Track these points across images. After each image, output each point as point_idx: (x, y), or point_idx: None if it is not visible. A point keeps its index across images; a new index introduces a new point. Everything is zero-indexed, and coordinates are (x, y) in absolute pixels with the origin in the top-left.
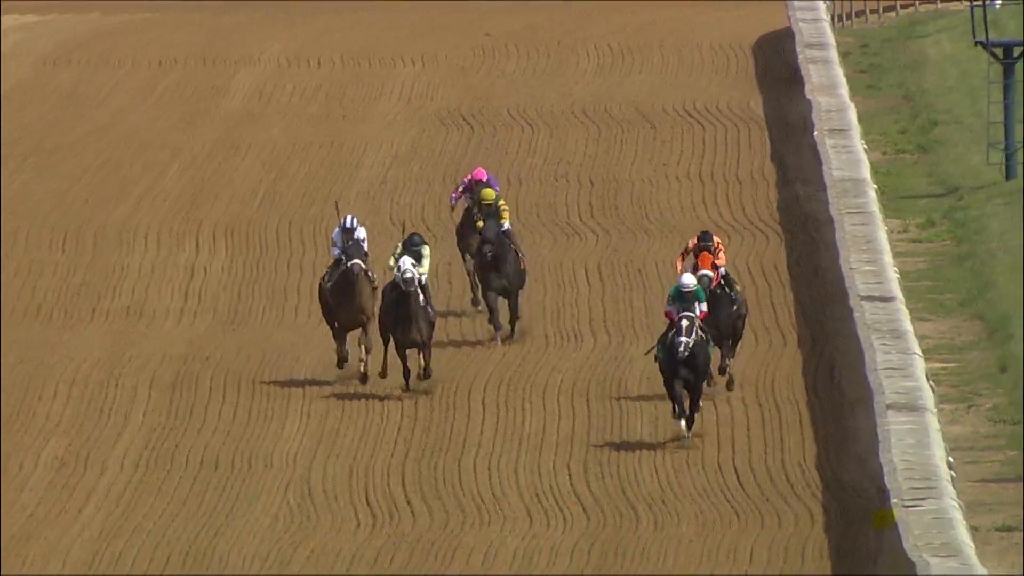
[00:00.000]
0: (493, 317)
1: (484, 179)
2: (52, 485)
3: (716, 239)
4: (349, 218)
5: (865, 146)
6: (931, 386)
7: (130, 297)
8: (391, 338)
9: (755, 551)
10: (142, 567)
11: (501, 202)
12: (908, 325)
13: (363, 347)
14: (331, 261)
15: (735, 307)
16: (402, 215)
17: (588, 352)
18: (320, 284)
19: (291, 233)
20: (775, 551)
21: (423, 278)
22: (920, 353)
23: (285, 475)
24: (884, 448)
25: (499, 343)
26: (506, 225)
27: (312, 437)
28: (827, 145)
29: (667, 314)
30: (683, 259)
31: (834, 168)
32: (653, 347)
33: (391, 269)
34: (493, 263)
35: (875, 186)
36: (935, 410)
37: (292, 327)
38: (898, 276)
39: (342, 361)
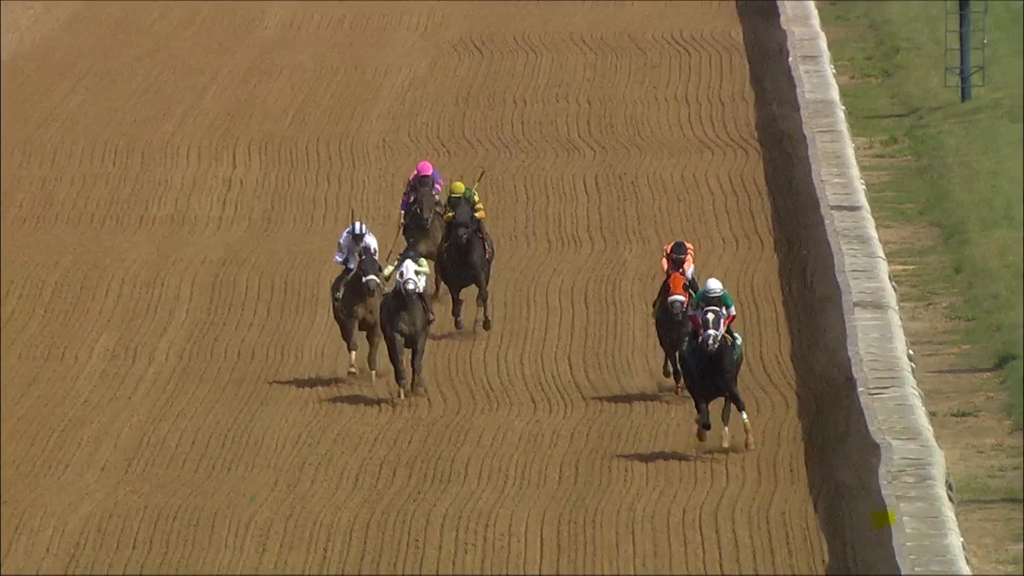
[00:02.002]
0: (456, 307)
1: (429, 172)
2: (104, 374)
3: (688, 246)
4: (358, 224)
5: (834, 71)
6: (893, 286)
7: (174, 206)
8: (391, 339)
9: (735, 434)
10: (185, 448)
11: (476, 196)
12: (873, 232)
13: (373, 370)
14: (338, 269)
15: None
16: (419, 133)
17: (586, 256)
18: (332, 294)
19: (319, 148)
20: (754, 433)
21: (422, 286)
22: (884, 257)
23: (314, 366)
24: (851, 342)
25: (461, 323)
26: (479, 214)
27: (338, 333)
28: (800, 70)
29: (691, 318)
30: (667, 262)
31: (807, 91)
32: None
33: (389, 276)
34: (466, 248)
35: (843, 107)
36: (897, 308)
37: (320, 233)
38: (864, 187)
39: (349, 362)
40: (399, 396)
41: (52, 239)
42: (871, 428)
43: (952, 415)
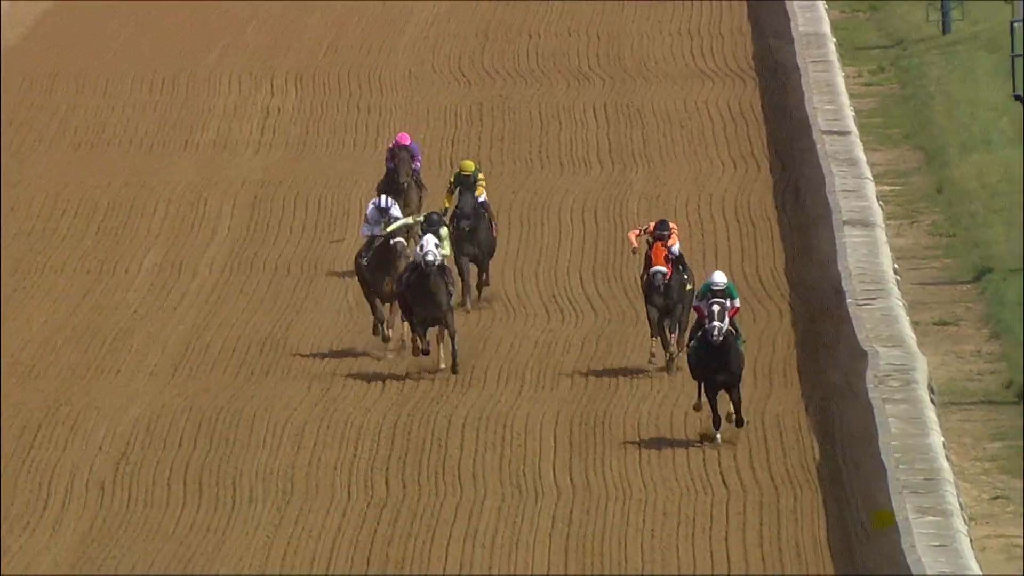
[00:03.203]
0: (465, 282)
1: (407, 143)
2: (152, 287)
3: (672, 225)
4: (384, 198)
5: (826, 5)
6: (880, 205)
7: (216, 132)
8: (412, 315)
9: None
10: (227, 355)
11: (480, 175)
12: (861, 154)
13: (404, 324)
14: (364, 239)
15: (687, 287)
16: (441, 64)
17: (595, 177)
18: (356, 260)
19: (350, 78)
20: (750, 341)
21: (442, 258)
22: (871, 178)
23: (345, 279)
24: (841, 257)
25: (469, 308)
26: (482, 197)
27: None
28: (794, 5)
29: (696, 308)
30: (638, 235)
31: (800, 24)
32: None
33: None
34: (470, 234)
35: (834, 39)
36: (883, 225)
37: (351, 157)
38: (853, 114)
39: (381, 334)
40: (432, 362)
41: (105, 162)
42: (859, 336)
43: (934, 324)
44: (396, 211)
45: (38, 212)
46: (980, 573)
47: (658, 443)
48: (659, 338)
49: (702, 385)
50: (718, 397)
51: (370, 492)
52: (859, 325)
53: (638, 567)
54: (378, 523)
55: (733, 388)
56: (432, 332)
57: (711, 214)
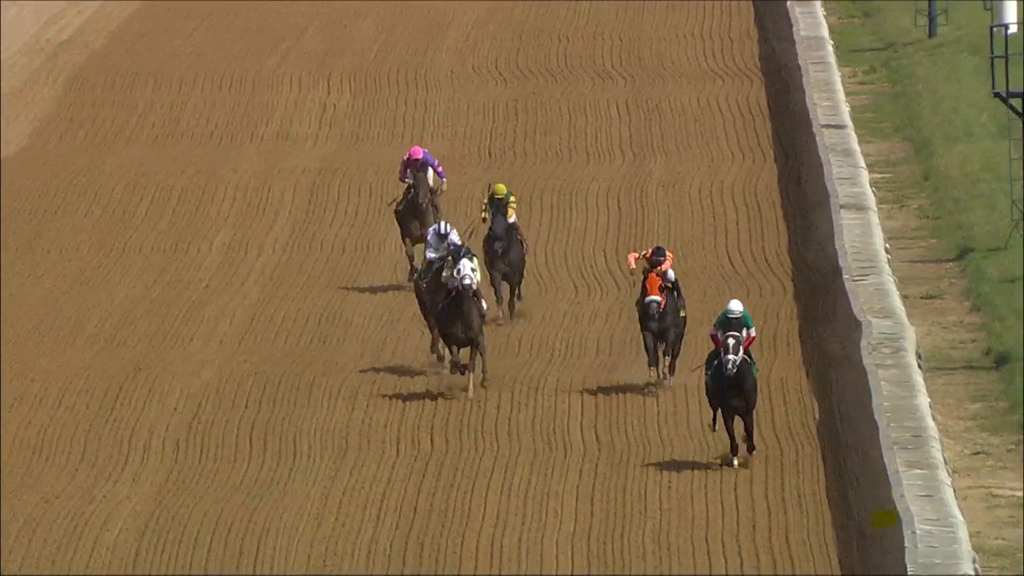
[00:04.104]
0: (498, 297)
1: (420, 156)
2: (222, 264)
3: (668, 253)
4: (444, 224)
5: (824, 12)
6: (873, 191)
7: (278, 125)
8: (447, 335)
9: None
10: (288, 325)
11: (512, 197)
12: (856, 146)
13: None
14: (425, 262)
15: (680, 313)
16: (480, 64)
17: (618, 166)
18: (416, 282)
19: (398, 77)
20: (757, 313)
21: (476, 282)
22: (865, 167)
23: (394, 258)
24: (838, 237)
25: (502, 322)
26: (513, 218)
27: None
28: (796, 11)
29: (712, 337)
30: (637, 259)
31: (801, 29)
32: (700, 365)
33: (446, 277)
34: (502, 254)
35: (832, 42)
36: (876, 209)
37: (399, 148)
38: (849, 109)
39: (437, 352)
40: (464, 382)
41: (179, 153)
42: (854, 308)
43: (921, 298)
44: (454, 236)
45: (119, 198)
46: (962, 519)
47: (674, 405)
48: (655, 368)
49: (717, 411)
50: (733, 423)
51: (416, 448)
52: (854, 298)
53: (656, 514)
54: (423, 475)
55: (747, 414)
56: (464, 352)
57: (721, 199)
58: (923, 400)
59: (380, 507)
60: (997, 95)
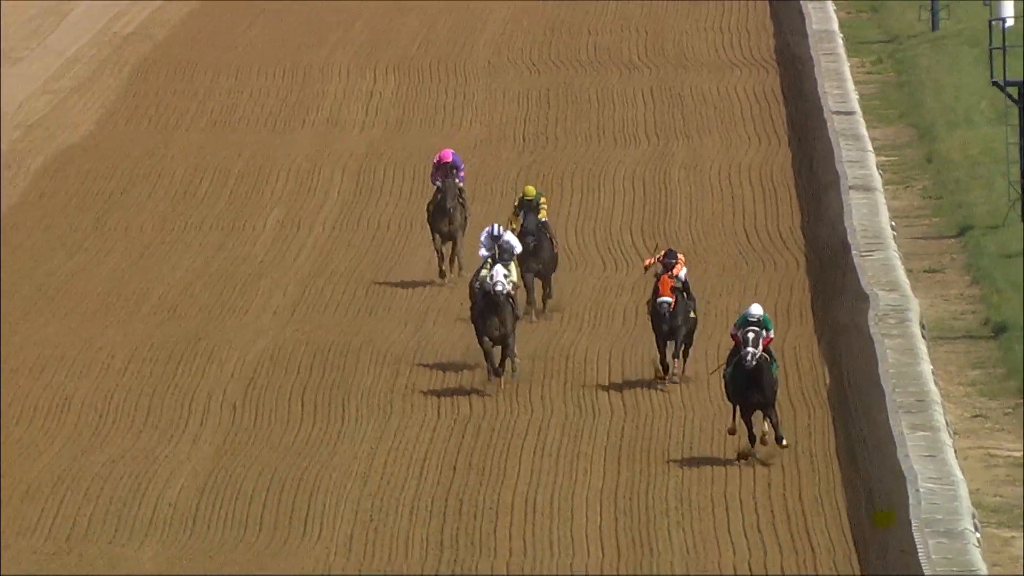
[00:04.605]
0: (530, 295)
1: (449, 159)
2: (275, 240)
3: (680, 256)
4: (496, 226)
5: (834, 8)
6: (880, 173)
7: (328, 112)
8: (482, 336)
9: (758, 286)
10: (337, 297)
11: (542, 199)
12: (864, 131)
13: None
14: (480, 262)
15: (691, 313)
16: (515, 56)
17: (643, 150)
18: (470, 285)
19: (440, 68)
20: (772, 286)
21: (511, 286)
22: (872, 150)
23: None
24: (847, 216)
25: (534, 318)
26: (543, 218)
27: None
28: (808, 7)
29: (733, 336)
30: (652, 262)
31: (813, 23)
32: (720, 365)
33: (482, 279)
34: (533, 251)
35: (841, 35)
36: (882, 189)
37: (440, 133)
38: (857, 97)
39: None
40: (495, 387)
41: (235, 137)
42: (862, 282)
43: (924, 272)
44: (508, 237)
45: (180, 179)
46: (962, 478)
47: (696, 371)
48: (663, 369)
49: (736, 408)
50: (753, 418)
51: (456, 411)
52: (862, 273)
53: (679, 474)
54: (463, 437)
55: (768, 408)
56: (497, 352)
57: (739, 180)
58: (926, 367)
59: (422, 466)
60: (995, 84)
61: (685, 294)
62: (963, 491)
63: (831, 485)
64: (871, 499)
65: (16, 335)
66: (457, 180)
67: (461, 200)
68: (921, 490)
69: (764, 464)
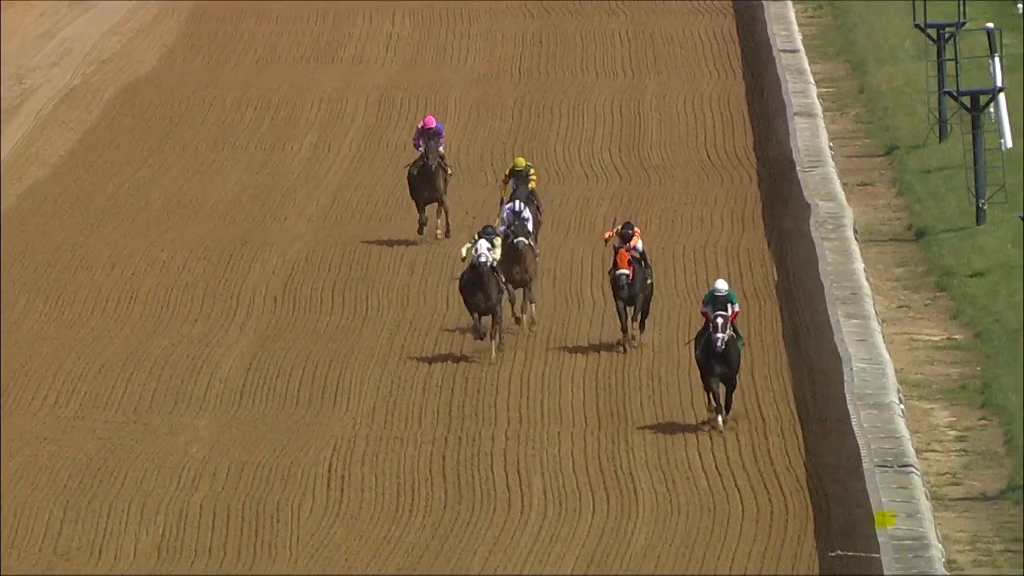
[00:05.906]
0: (514, 306)
1: (433, 125)
2: (309, 159)
3: (635, 228)
4: (518, 203)
5: None
6: (820, 102)
7: (354, 51)
8: (469, 305)
9: (717, 197)
10: (362, 206)
11: (532, 170)
12: (807, 66)
13: (529, 302)
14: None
15: (647, 281)
16: (513, 3)
17: (620, 82)
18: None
19: (448, 13)
20: (728, 197)
21: (495, 260)
22: (813, 83)
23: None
24: (792, 137)
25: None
26: (532, 186)
27: (461, 131)
28: None
29: (703, 313)
30: (611, 234)
31: None
32: (690, 340)
33: (466, 255)
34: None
35: None
36: (822, 115)
37: (449, 68)
38: (801, 37)
39: (514, 315)
40: (493, 355)
41: (275, 72)
42: (805, 193)
43: (857, 185)
44: (527, 213)
45: (229, 107)
46: (889, 359)
47: (663, 299)
48: (625, 330)
49: (706, 380)
50: (718, 388)
51: (463, 302)
52: (805, 186)
53: (650, 355)
54: (469, 323)
55: (730, 380)
56: (486, 321)
57: (702, 108)
58: (859, 265)
59: (434, 350)
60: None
61: (643, 263)
62: (889, 370)
63: (779, 365)
64: (812, 378)
65: (91, 238)
66: (438, 146)
67: (443, 164)
68: (854, 369)
69: (723, 430)
